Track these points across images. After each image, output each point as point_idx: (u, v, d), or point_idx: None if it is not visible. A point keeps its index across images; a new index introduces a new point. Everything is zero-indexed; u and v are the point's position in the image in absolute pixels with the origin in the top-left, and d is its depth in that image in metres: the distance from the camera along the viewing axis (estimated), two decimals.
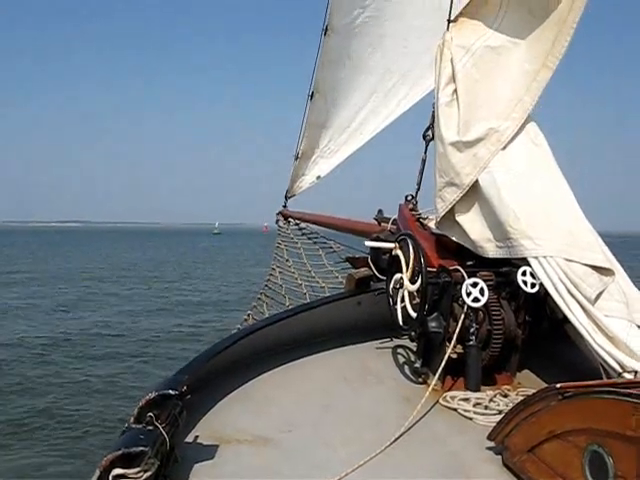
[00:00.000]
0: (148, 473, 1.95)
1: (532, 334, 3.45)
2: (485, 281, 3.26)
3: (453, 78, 3.44)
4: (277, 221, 7.27)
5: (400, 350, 3.92)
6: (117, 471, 1.90)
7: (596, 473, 1.95)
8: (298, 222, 7.03)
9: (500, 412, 2.98)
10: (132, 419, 2.25)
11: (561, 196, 3.32)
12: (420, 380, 3.49)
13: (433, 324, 3.34)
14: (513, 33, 3.45)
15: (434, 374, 3.27)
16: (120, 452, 1.94)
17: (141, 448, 1.97)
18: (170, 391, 2.39)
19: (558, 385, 2.19)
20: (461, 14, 3.59)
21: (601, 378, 2.81)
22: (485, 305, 3.24)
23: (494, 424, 2.64)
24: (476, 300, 3.21)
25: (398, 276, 3.49)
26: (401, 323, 3.49)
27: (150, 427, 2.15)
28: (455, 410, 3.13)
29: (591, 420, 2.02)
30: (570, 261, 3.05)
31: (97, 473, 1.90)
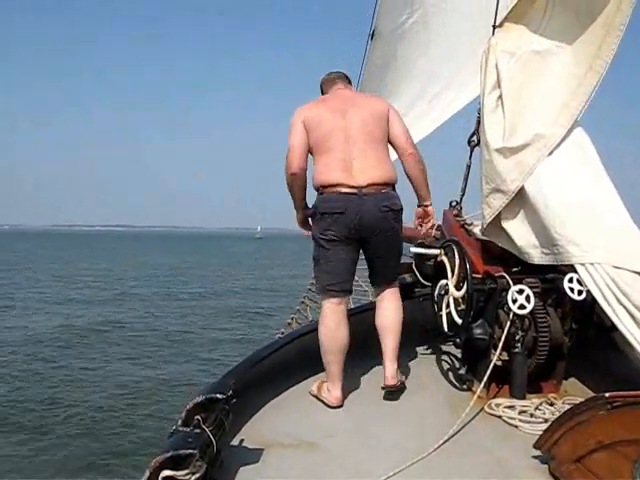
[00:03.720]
0: (196, 475, 1.98)
1: (579, 342, 3.40)
2: (531, 288, 3.23)
3: (498, 84, 3.42)
4: None
5: (444, 357, 3.91)
6: (166, 473, 1.93)
7: None
8: None
9: (546, 420, 2.95)
10: (180, 422, 2.29)
11: (609, 202, 3.26)
12: (465, 387, 3.47)
13: (478, 331, 3.32)
14: (559, 37, 3.41)
15: (479, 381, 3.25)
16: (169, 454, 1.97)
17: (190, 450, 2.00)
18: (217, 395, 2.42)
19: (607, 394, 2.16)
20: (506, 19, 3.56)
21: None
22: (531, 312, 3.21)
23: (540, 432, 2.60)
24: (522, 307, 3.19)
25: (443, 282, 3.48)
26: (446, 329, 3.47)
27: (197, 430, 2.18)
28: (500, 418, 3.10)
29: None
30: (619, 268, 2.99)
31: (147, 474, 1.94)
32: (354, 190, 3.28)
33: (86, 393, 9.93)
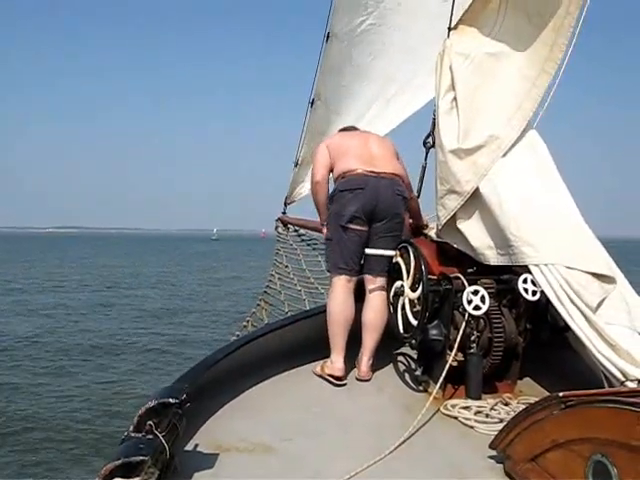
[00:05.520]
0: None
1: (533, 342, 3.43)
2: (486, 289, 3.25)
3: (453, 86, 3.43)
4: (276, 227, 7.19)
5: (400, 358, 3.91)
6: None
7: None
8: (297, 228, 6.99)
9: (501, 420, 2.97)
10: (132, 427, 2.22)
11: (562, 203, 3.31)
12: (421, 388, 3.48)
13: (434, 332, 3.33)
14: (512, 39, 3.45)
15: (435, 382, 3.26)
16: (120, 461, 1.92)
17: (141, 457, 1.95)
18: (170, 399, 2.37)
19: (561, 394, 2.18)
20: (461, 21, 3.58)
21: (603, 387, 2.80)
22: (486, 313, 3.23)
23: (495, 432, 2.62)
24: (477, 308, 3.20)
25: (399, 283, 3.49)
26: (402, 331, 3.48)
27: (150, 436, 2.13)
28: (456, 418, 3.12)
29: (595, 429, 2.00)
30: (571, 269, 3.04)
31: None
32: (372, 174, 3.66)
33: (32, 402, 9.64)
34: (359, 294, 3.80)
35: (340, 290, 3.71)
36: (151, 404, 2.32)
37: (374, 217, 3.65)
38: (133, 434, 2.17)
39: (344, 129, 4.32)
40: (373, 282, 3.74)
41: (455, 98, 3.44)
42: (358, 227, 3.66)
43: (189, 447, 2.64)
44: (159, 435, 2.14)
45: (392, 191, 3.66)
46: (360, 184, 3.63)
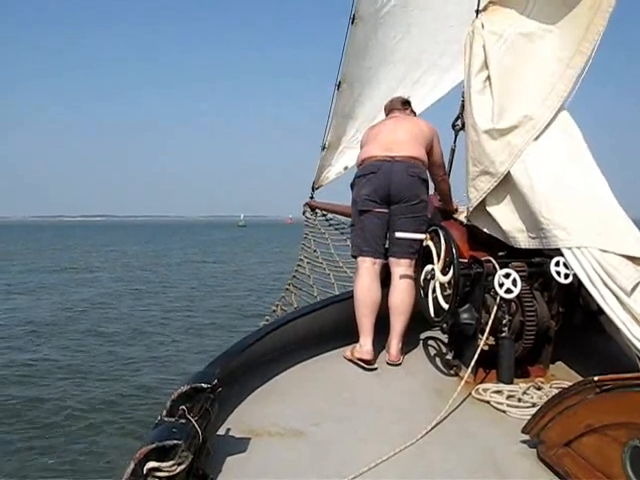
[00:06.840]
0: (182, 466, 1.94)
1: (565, 325, 3.40)
2: (518, 272, 3.22)
3: (486, 65, 3.38)
4: (304, 212, 7.21)
5: (431, 342, 3.90)
6: (151, 464, 1.89)
7: (637, 469, 1.91)
8: (325, 213, 7.00)
9: (534, 405, 2.95)
10: (164, 412, 2.24)
11: (595, 186, 3.25)
12: (452, 372, 3.46)
13: (465, 316, 3.31)
14: (545, 19, 3.39)
15: (466, 366, 3.24)
16: (154, 445, 1.93)
17: (175, 441, 1.96)
18: (202, 384, 2.39)
19: (596, 378, 2.15)
20: (491, 2, 3.53)
21: (638, 371, 2.76)
22: (518, 296, 3.21)
23: (528, 417, 2.60)
24: (509, 291, 3.17)
25: (429, 267, 3.47)
26: (432, 315, 3.46)
27: (183, 420, 2.14)
28: (488, 403, 3.10)
29: (631, 414, 1.97)
30: (604, 251, 2.99)
31: (131, 466, 1.89)
32: (387, 158, 3.72)
33: (63, 385, 9.72)
34: (387, 278, 3.79)
35: (365, 273, 3.76)
36: (183, 389, 2.33)
37: (391, 200, 3.71)
38: (166, 418, 2.19)
39: (387, 108, 4.37)
40: (398, 264, 3.74)
41: (488, 77, 3.39)
42: (375, 209, 3.74)
43: (221, 431, 2.66)
44: (192, 419, 2.15)
45: (406, 173, 3.68)
46: (373, 169, 3.74)
